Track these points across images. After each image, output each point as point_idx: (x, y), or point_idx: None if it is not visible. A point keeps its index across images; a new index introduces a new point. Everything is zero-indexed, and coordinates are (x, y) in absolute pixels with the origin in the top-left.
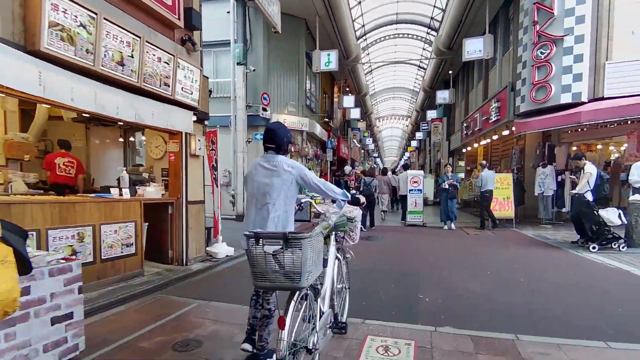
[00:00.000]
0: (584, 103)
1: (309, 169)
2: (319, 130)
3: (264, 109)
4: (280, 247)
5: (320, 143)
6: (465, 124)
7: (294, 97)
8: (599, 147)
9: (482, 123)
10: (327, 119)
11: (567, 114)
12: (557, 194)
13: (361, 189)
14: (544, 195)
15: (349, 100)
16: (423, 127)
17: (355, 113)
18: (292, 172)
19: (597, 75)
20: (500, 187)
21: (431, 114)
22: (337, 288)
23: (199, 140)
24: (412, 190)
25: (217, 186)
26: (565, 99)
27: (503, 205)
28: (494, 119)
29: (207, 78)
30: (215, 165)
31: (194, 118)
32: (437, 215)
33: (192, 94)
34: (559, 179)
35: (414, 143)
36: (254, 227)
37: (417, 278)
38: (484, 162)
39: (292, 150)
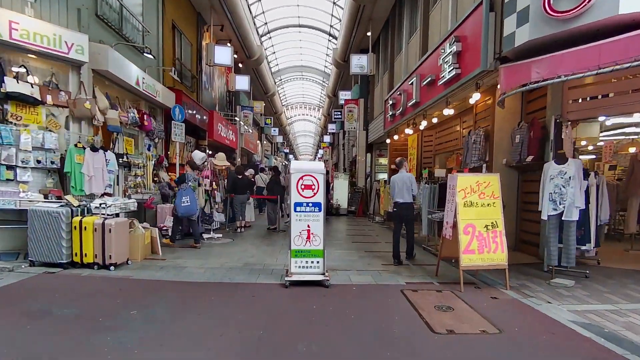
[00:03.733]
0: None
1: (105, 153)
2: (136, 74)
3: None
4: None
5: (165, 111)
6: (391, 102)
7: None
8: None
9: (422, 92)
10: (172, 72)
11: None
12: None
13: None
14: (563, 219)
15: (223, 54)
16: (336, 116)
17: (242, 82)
18: None
19: None
20: (475, 202)
21: (345, 95)
22: None
23: None
24: (300, 204)
25: None
26: (628, 6)
27: (485, 242)
28: (448, 77)
29: None
30: None
31: None
32: (358, 248)
33: None
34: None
35: (327, 138)
36: None
37: None
38: (399, 158)
39: (51, 101)
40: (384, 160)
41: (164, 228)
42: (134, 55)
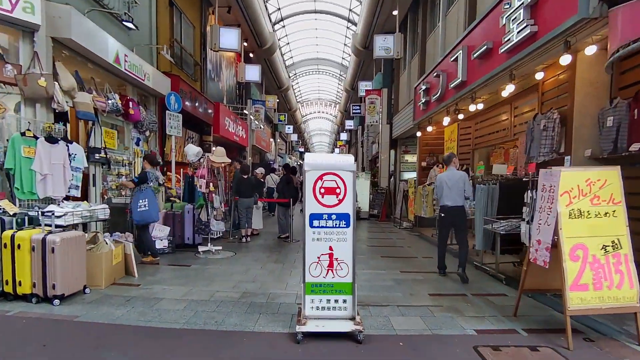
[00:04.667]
0: None
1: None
2: (116, 50)
3: None
4: None
5: (159, 100)
6: (423, 87)
7: None
8: None
9: (470, 68)
10: (164, 50)
11: None
12: None
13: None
14: None
15: (230, 37)
16: (354, 111)
17: (252, 73)
18: None
19: None
20: (586, 212)
21: (365, 86)
22: None
23: None
24: (318, 217)
25: None
26: None
27: (604, 272)
28: (517, 40)
29: None
30: None
31: None
32: (390, 266)
33: None
34: None
35: (343, 136)
36: None
37: None
38: (447, 153)
39: None
40: (410, 157)
41: (152, 239)
42: (117, 29)
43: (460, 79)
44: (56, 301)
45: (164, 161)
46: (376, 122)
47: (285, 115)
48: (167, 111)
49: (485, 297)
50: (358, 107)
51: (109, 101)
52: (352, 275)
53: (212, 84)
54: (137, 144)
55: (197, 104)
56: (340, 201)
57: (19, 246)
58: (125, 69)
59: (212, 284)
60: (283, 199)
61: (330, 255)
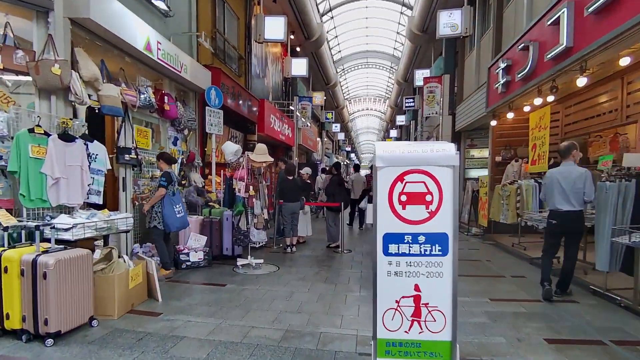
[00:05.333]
0: None
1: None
2: (147, 36)
3: None
4: None
5: (200, 95)
6: (503, 65)
7: None
8: None
9: (579, 28)
10: (202, 38)
11: None
12: None
13: None
14: None
15: (275, 27)
16: (407, 105)
17: (299, 67)
18: None
19: None
20: None
21: (422, 74)
22: None
23: None
24: (396, 238)
25: None
26: None
27: None
28: None
29: None
30: None
31: None
32: (471, 290)
33: None
34: None
35: (393, 133)
36: None
37: None
38: (565, 143)
39: (1, 64)
40: (477, 152)
41: (184, 252)
42: (151, 15)
43: (563, 46)
44: (49, 341)
45: (204, 162)
46: (436, 113)
47: (332, 113)
48: (206, 107)
49: (636, 346)
50: (412, 100)
51: (141, 95)
52: (452, 331)
53: (257, 79)
54: (175, 143)
55: (240, 101)
56: (433, 214)
57: (5, 269)
58: (158, 58)
59: (247, 315)
60: (333, 202)
61: (417, 299)
